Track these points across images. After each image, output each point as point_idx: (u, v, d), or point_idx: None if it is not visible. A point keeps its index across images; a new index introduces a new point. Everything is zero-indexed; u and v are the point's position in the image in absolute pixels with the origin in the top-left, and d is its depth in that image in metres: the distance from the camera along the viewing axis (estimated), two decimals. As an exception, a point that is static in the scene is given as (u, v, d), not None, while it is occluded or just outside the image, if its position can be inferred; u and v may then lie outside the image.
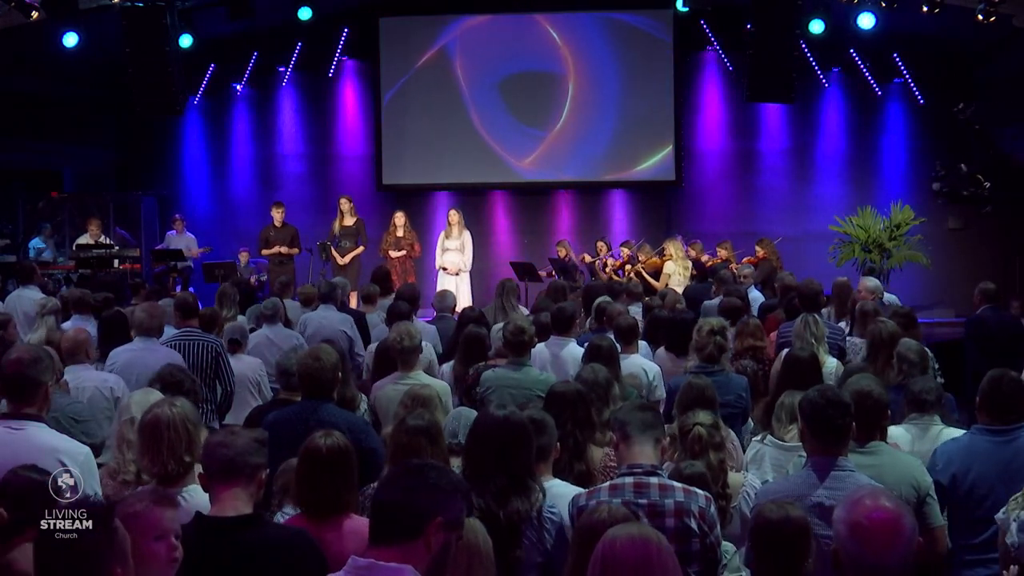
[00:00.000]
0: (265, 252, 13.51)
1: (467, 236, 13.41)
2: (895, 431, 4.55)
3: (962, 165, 12.20)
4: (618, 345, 6.47)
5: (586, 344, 5.91)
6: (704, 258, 12.45)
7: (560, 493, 3.65)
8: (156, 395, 4.15)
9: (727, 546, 3.65)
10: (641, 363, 6.42)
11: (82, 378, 5.60)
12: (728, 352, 6.11)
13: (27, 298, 8.68)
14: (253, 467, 3.12)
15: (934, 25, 12.32)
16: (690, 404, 4.53)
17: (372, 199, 15.35)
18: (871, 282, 8.39)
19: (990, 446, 4.15)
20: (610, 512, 2.99)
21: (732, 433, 4.84)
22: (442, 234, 13.59)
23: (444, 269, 13.26)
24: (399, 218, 13.41)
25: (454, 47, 15.29)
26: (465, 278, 13.34)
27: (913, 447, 4.50)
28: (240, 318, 8.27)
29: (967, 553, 4.09)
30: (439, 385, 5.76)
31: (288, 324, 8.29)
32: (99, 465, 4.45)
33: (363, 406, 5.55)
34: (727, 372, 5.73)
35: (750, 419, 5.64)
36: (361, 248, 13.33)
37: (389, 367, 6.03)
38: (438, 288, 12.78)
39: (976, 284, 8.54)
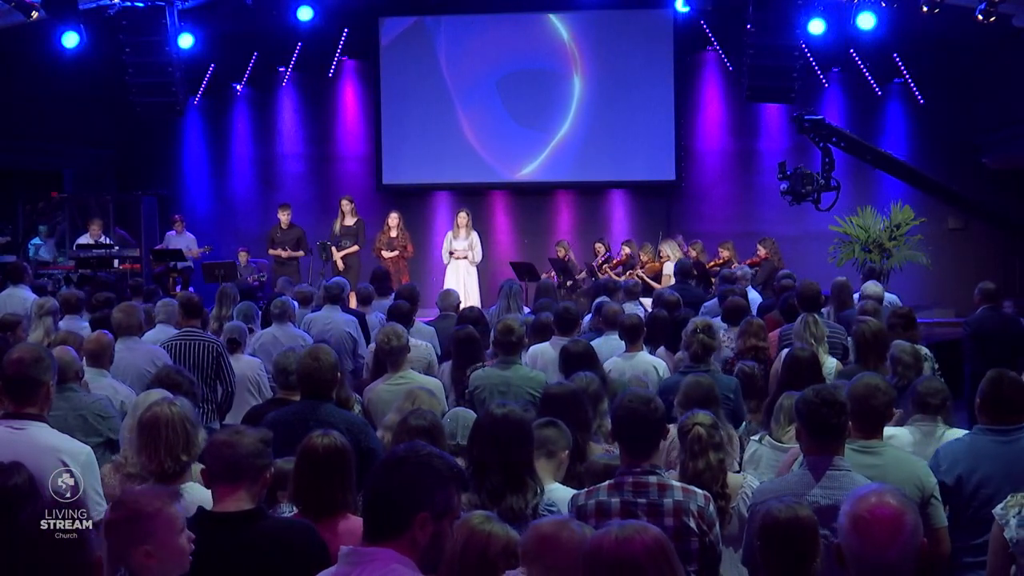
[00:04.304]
0: (271, 252, 13.56)
1: (475, 236, 13.49)
2: (898, 432, 4.54)
3: (801, 165, 12.33)
4: (624, 343, 6.50)
5: (560, 349, 5.79)
6: (704, 259, 12.45)
7: (560, 498, 3.65)
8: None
9: None
10: (650, 360, 6.42)
11: (98, 385, 5.47)
12: (717, 351, 6.08)
13: (18, 297, 8.65)
14: (258, 468, 3.12)
15: (934, 25, 12.33)
16: (696, 403, 4.52)
17: (372, 199, 15.35)
18: (872, 288, 8.41)
19: (995, 446, 4.13)
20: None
21: (732, 430, 4.83)
22: (449, 234, 13.63)
23: (451, 254, 13.33)
24: (393, 219, 13.43)
25: (454, 46, 15.29)
26: (473, 272, 13.42)
27: (916, 449, 4.48)
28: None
29: (968, 554, 4.07)
30: (432, 383, 5.75)
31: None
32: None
33: (357, 407, 5.53)
34: (713, 372, 5.70)
35: (744, 421, 5.63)
36: (355, 247, 13.32)
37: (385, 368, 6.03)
38: (446, 281, 12.94)
39: (976, 284, 8.54)
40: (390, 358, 5.79)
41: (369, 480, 2.46)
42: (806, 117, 12.28)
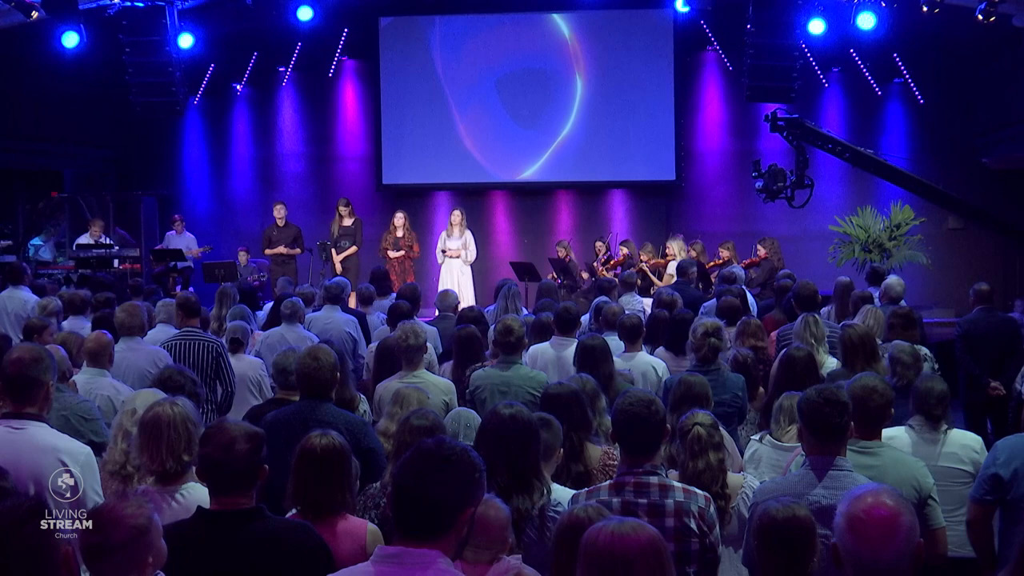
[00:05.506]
0: (268, 252, 13.56)
1: (469, 236, 13.50)
2: (897, 433, 4.53)
3: (774, 163, 12.36)
4: (623, 344, 6.50)
5: (576, 344, 5.83)
6: (704, 259, 12.43)
7: (559, 498, 3.65)
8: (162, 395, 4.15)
9: None
10: (649, 360, 6.43)
11: (98, 384, 5.48)
12: (725, 352, 6.10)
13: (17, 299, 8.66)
14: (254, 471, 3.10)
15: (934, 25, 12.33)
16: (683, 401, 4.53)
17: (372, 199, 15.37)
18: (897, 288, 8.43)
19: None
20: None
21: (726, 434, 4.83)
22: (443, 233, 13.66)
23: (444, 252, 13.36)
24: (399, 219, 13.44)
25: (454, 46, 15.29)
26: (467, 271, 13.43)
27: (915, 450, 4.47)
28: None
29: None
30: (443, 384, 5.76)
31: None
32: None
33: (362, 407, 5.54)
34: (723, 372, 5.72)
35: (747, 419, 5.64)
36: (354, 248, 13.33)
37: (390, 367, 6.03)
38: (440, 280, 12.96)
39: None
40: (406, 355, 5.80)
41: (407, 480, 2.38)
42: (780, 115, 12.27)
